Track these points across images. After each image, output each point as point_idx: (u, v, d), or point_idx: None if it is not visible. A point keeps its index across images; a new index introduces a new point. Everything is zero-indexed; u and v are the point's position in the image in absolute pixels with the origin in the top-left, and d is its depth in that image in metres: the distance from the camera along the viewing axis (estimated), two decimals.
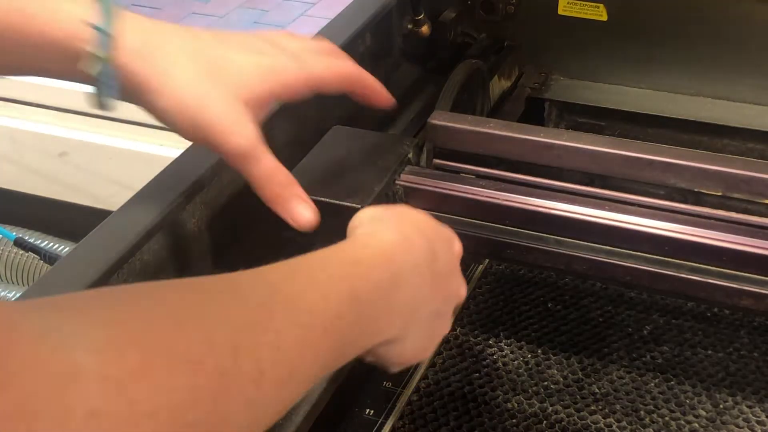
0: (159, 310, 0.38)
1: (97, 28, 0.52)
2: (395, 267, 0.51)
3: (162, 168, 0.63)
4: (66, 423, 0.31)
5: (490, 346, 0.75)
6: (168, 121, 0.56)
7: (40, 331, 0.32)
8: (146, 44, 0.54)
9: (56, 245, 1.05)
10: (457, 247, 0.58)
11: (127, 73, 0.54)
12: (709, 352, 0.75)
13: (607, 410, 0.69)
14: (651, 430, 0.68)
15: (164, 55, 0.54)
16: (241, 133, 0.55)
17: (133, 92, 0.55)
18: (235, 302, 0.41)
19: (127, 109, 0.58)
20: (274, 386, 0.41)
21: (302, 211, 0.58)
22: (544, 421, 0.68)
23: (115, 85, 0.53)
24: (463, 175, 0.72)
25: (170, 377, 0.35)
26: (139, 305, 0.37)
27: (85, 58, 0.52)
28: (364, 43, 0.82)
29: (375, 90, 0.65)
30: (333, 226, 0.61)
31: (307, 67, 0.59)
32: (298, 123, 0.67)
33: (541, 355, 0.75)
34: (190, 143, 0.62)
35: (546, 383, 0.72)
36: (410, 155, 0.71)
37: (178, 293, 0.40)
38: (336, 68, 0.62)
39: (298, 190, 0.58)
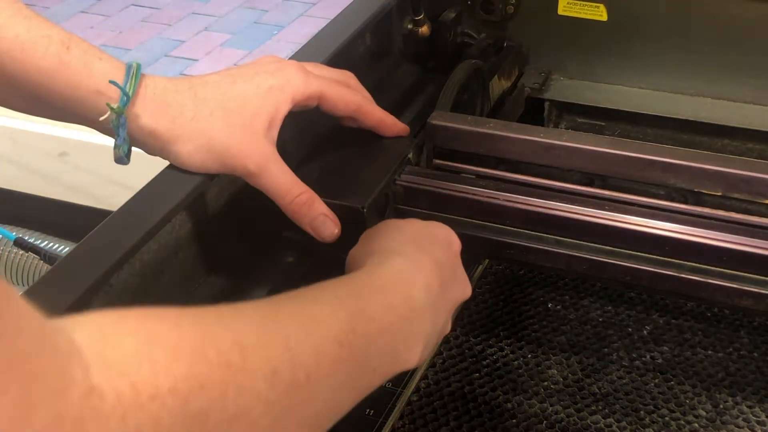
0: (156, 312, 0.38)
1: (119, 86, 0.57)
2: (408, 291, 0.52)
3: (162, 168, 0.63)
4: (65, 393, 0.30)
5: (490, 346, 0.75)
6: (184, 164, 0.61)
7: (44, 318, 0.32)
8: (156, 100, 0.59)
9: (56, 245, 1.05)
10: (455, 244, 0.58)
11: (143, 127, 0.59)
12: (709, 352, 0.75)
13: (607, 410, 0.69)
14: (651, 430, 0.68)
15: (171, 106, 0.59)
16: (249, 157, 0.60)
17: (150, 145, 0.60)
18: (235, 312, 0.42)
19: None
20: (291, 388, 0.40)
21: (321, 229, 0.61)
22: (544, 421, 0.68)
23: (127, 138, 0.59)
24: (463, 175, 0.72)
25: (170, 363, 0.34)
26: (136, 308, 0.37)
27: (104, 111, 0.57)
28: (364, 43, 0.82)
29: (383, 123, 0.70)
30: None
31: (311, 83, 0.63)
32: (299, 123, 0.67)
33: (541, 355, 0.74)
34: None
35: (546, 383, 0.72)
36: (410, 155, 0.71)
37: (176, 308, 0.41)
38: (341, 94, 0.66)
39: (319, 206, 0.61)
